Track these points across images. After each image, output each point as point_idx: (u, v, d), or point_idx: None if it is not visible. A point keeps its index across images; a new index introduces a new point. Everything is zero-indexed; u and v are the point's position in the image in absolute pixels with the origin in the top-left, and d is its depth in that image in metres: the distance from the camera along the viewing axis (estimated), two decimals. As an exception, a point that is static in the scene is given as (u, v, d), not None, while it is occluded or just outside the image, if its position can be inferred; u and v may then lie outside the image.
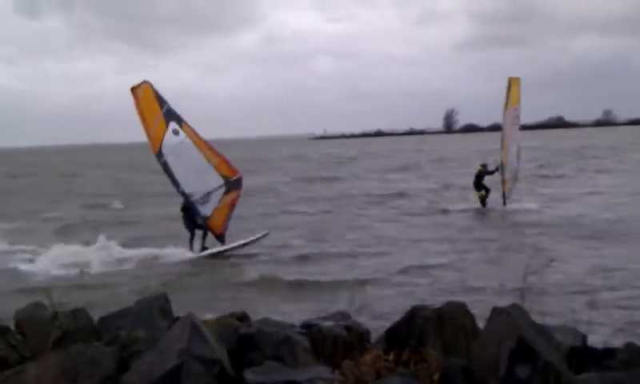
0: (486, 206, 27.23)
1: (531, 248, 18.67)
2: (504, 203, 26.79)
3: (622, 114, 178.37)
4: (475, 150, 77.67)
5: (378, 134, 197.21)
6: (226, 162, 20.95)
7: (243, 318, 7.19)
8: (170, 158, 20.19)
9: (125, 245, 20.63)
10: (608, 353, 6.02)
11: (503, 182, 26.71)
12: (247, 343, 6.07)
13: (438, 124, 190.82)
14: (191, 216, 20.33)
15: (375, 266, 16.99)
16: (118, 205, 34.59)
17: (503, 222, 24.78)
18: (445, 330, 6.15)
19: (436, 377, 5.56)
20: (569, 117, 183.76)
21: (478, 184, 27.49)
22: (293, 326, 6.63)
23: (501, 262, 17.10)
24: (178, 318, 6.74)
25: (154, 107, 20.35)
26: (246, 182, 21.40)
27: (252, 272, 17.00)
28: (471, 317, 6.34)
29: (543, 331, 5.61)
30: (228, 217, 20.54)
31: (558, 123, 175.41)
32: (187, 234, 20.10)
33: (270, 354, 5.92)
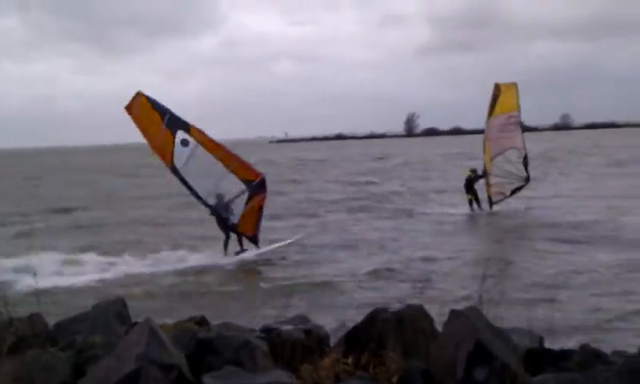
0: (474, 209, 27.54)
1: (496, 251, 18.96)
2: (490, 206, 27.15)
3: (579, 119, 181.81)
4: (440, 154, 78.54)
5: (339, 137, 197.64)
6: (246, 165, 20.05)
7: (202, 322, 7.13)
8: (184, 171, 19.28)
9: (84, 250, 20.40)
10: (564, 354, 6.09)
11: (488, 186, 27.02)
12: (206, 348, 6.03)
13: (399, 128, 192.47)
14: (223, 219, 19.67)
15: (341, 269, 17.07)
16: (82, 209, 34.00)
17: (475, 226, 25.09)
18: (404, 333, 6.17)
19: (395, 379, 5.57)
20: (528, 121, 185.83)
21: (469, 187, 27.72)
22: (252, 331, 6.59)
23: (463, 265, 17.27)
24: (135, 323, 6.66)
25: (154, 118, 19.35)
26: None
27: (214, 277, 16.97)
28: (430, 320, 6.37)
29: (500, 333, 5.66)
30: (258, 219, 19.66)
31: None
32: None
33: (229, 359, 5.88)
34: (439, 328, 6.13)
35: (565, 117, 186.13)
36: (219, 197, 19.59)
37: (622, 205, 27.23)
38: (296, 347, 6.12)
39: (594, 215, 24.65)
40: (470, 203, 27.57)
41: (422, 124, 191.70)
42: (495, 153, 27.10)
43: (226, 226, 19.66)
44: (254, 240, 19.57)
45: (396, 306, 6.90)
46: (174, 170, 19.25)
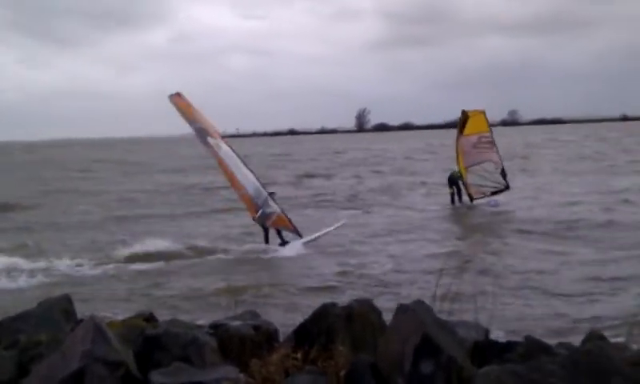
0: (455, 203, 28.59)
1: (460, 246, 19.21)
2: (471, 200, 28.23)
3: (526, 114, 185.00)
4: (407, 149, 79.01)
5: (291, 132, 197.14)
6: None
7: (150, 318, 7.06)
8: (222, 153, 20.04)
9: (22, 249, 20.08)
10: (509, 346, 6.17)
11: (467, 185, 28.24)
12: (154, 344, 5.97)
13: (351, 123, 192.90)
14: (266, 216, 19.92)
15: (294, 267, 17.13)
16: (26, 208, 32.94)
17: (444, 221, 25.32)
18: (353, 327, 6.21)
19: (343, 373, 5.59)
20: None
21: (452, 182, 28.79)
22: (201, 327, 6.55)
23: (419, 259, 17.46)
24: (82, 321, 6.57)
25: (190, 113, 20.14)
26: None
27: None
28: (379, 314, 6.42)
29: (447, 327, 5.72)
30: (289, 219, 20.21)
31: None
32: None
33: (177, 355, 5.84)
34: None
35: (513, 112, 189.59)
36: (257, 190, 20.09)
37: (590, 200, 28.02)
38: (245, 343, 6.11)
39: (568, 212, 25.14)
40: (452, 197, 28.65)
41: (373, 119, 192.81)
42: (470, 163, 28.07)
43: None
44: (297, 232, 19.98)
45: (347, 300, 6.95)
46: (215, 155, 20.09)
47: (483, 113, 28.74)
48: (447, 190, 29.12)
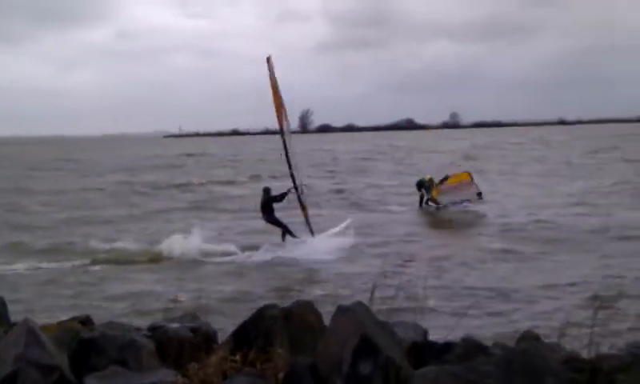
0: (423, 205, 28.99)
1: (396, 247, 19.35)
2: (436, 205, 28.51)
3: (467, 117, 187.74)
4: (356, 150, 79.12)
5: (235, 133, 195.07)
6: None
7: (86, 322, 6.92)
8: (287, 138, 20.02)
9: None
10: (447, 347, 6.23)
11: (435, 189, 28.53)
12: (89, 347, 5.86)
13: (294, 124, 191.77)
14: (269, 213, 20.09)
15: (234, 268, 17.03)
16: None
17: (399, 225, 25.27)
18: (292, 329, 6.19)
19: (282, 375, 5.58)
20: (419, 119, 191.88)
21: (420, 186, 29.10)
22: (138, 329, 6.46)
23: (360, 259, 17.56)
24: (15, 324, 6.41)
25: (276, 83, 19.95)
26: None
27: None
28: (318, 315, 6.41)
29: (386, 328, 5.75)
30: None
31: (409, 125, 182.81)
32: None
33: (114, 358, 5.74)
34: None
35: (454, 115, 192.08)
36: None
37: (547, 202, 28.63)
38: (183, 345, 6.04)
39: (524, 213, 25.64)
40: (421, 200, 29.01)
41: (316, 120, 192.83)
42: (446, 201, 28.33)
43: (270, 218, 20.17)
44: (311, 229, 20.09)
45: (288, 302, 6.94)
46: (281, 132, 19.88)
47: (469, 173, 29.46)
48: (407, 191, 29.78)
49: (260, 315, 6.21)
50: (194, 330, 6.26)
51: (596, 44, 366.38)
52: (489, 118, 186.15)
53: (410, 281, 13.27)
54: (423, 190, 28.97)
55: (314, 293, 13.82)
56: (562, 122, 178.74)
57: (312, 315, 6.31)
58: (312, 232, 20.06)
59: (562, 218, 24.18)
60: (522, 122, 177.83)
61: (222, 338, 6.48)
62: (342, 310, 5.70)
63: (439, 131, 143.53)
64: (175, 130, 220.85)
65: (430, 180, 29.09)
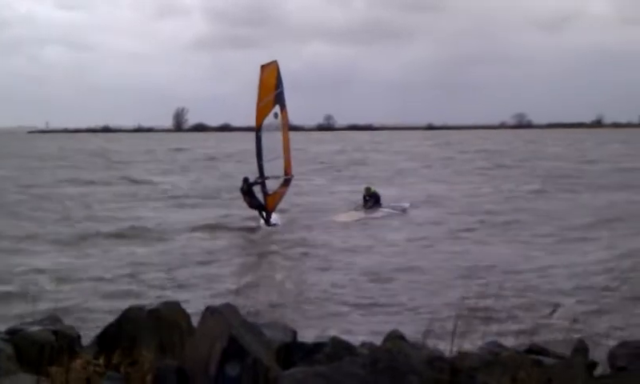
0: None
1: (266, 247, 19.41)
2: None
3: (340, 120, 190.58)
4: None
5: (106, 129, 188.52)
6: (290, 161, 25.52)
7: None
8: (264, 135, 23.99)
9: None
10: (317, 347, 6.29)
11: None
12: (-59, 353, 5.55)
13: (168, 122, 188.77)
14: (252, 196, 23.81)
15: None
16: None
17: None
18: (160, 331, 6.09)
19: (149, 378, 5.47)
20: (295, 120, 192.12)
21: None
22: (-4, 333, 6.16)
23: (233, 261, 17.54)
24: None
25: (271, 85, 24.44)
26: None
27: None
28: (187, 316, 6.34)
29: (254, 329, 5.75)
30: (278, 202, 24.65)
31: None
32: None
33: (-32, 364, 5.47)
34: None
35: (328, 117, 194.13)
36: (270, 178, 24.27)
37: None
38: (44, 349, 5.81)
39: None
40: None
41: (192, 119, 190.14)
42: None
43: (252, 202, 23.89)
44: (269, 215, 23.89)
45: (154, 302, 6.80)
46: (259, 130, 23.97)
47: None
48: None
49: (125, 317, 6.07)
50: (55, 333, 6.03)
51: (468, 52, 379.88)
52: (361, 121, 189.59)
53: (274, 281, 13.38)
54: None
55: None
56: (431, 127, 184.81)
57: (181, 316, 6.23)
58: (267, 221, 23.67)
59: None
60: (393, 125, 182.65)
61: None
62: (210, 311, 5.65)
63: (312, 133, 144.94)
64: (42, 126, 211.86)
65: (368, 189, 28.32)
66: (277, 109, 24.73)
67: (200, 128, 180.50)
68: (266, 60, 24.79)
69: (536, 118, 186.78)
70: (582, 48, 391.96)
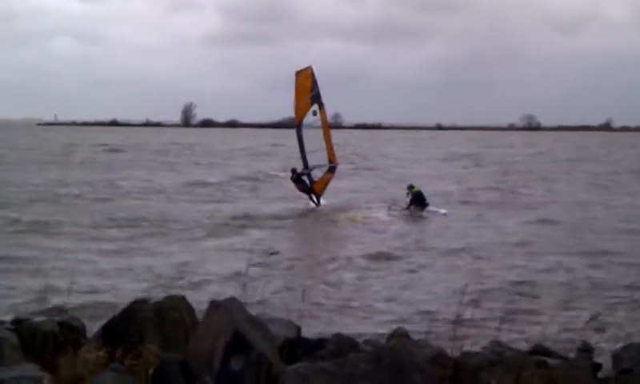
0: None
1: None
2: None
3: (348, 118, 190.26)
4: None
5: (114, 123, 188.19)
6: (333, 151, 28.52)
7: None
8: (304, 132, 27.86)
9: None
10: (320, 343, 6.30)
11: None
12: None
13: (176, 117, 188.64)
14: (302, 183, 28.16)
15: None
16: None
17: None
18: (164, 324, 6.09)
19: (152, 371, 5.48)
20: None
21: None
22: (1, 322, 6.17)
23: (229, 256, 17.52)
24: None
25: (307, 87, 27.99)
26: None
27: None
28: (191, 310, 6.34)
29: (259, 324, 5.75)
30: (325, 187, 28.28)
31: (293, 123, 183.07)
32: None
33: (-26, 353, 5.48)
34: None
35: (336, 116, 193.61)
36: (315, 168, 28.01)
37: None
38: (48, 339, 5.83)
39: None
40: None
41: (200, 114, 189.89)
42: None
43: (303, 188, 28.18)
44: (318, 198, 27.96)
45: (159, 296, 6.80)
46: (299, 128, 28.08)
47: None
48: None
49: (131, 310, 6.08)
50: (61, 324, 6.05)
51: (481, 53, 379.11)
52: (370, 121, 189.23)
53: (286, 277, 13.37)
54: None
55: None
56: (440, 128, 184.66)
57: (185, 310, 6.23)
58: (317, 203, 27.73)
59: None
60: (401, 125, 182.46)
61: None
62: (214, 306, 5.65)
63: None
64: (50, 118, 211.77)
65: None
66: (315, 107, 28.04)
67: (207, 124, 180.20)
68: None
69: (545, 120, 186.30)
70: (595, 51, 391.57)
